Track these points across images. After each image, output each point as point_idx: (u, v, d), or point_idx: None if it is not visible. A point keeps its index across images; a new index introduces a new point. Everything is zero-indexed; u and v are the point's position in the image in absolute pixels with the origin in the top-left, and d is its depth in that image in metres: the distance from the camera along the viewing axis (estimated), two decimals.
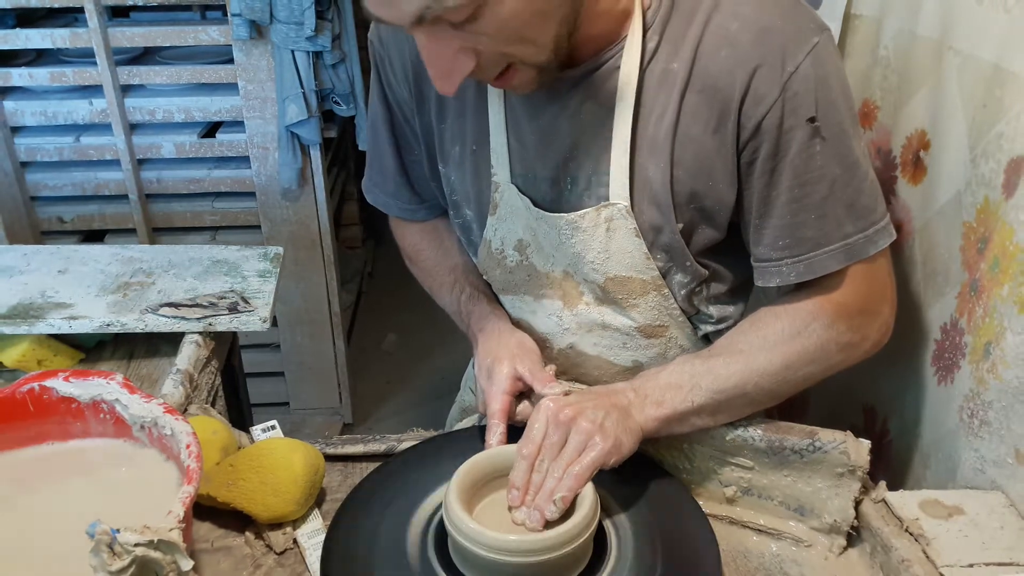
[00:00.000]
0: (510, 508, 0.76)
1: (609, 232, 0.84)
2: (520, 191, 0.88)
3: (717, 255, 0.88)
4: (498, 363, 0.88)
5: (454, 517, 0.72)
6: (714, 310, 0.92)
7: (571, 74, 0.81)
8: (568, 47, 0.76)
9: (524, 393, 0.88)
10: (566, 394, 0.83)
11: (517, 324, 0.97)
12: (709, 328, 0.94)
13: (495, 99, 0.86)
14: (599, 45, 0.80)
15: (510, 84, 0.76)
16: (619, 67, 0.80)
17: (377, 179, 1.05)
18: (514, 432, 0.83)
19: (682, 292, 0.88)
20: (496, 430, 0.83)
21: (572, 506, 0.74)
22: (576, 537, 0.70)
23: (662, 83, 0.80)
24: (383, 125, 0.99)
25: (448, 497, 0.73)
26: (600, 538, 0.75)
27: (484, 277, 0.98)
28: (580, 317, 0.92)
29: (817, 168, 0.78)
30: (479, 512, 0.77)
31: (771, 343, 0.82)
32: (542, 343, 0.95)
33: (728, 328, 0.94)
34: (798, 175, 0.78)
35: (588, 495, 0.74)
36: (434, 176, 0.98)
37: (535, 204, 0.87)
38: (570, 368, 0.96)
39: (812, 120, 0.76)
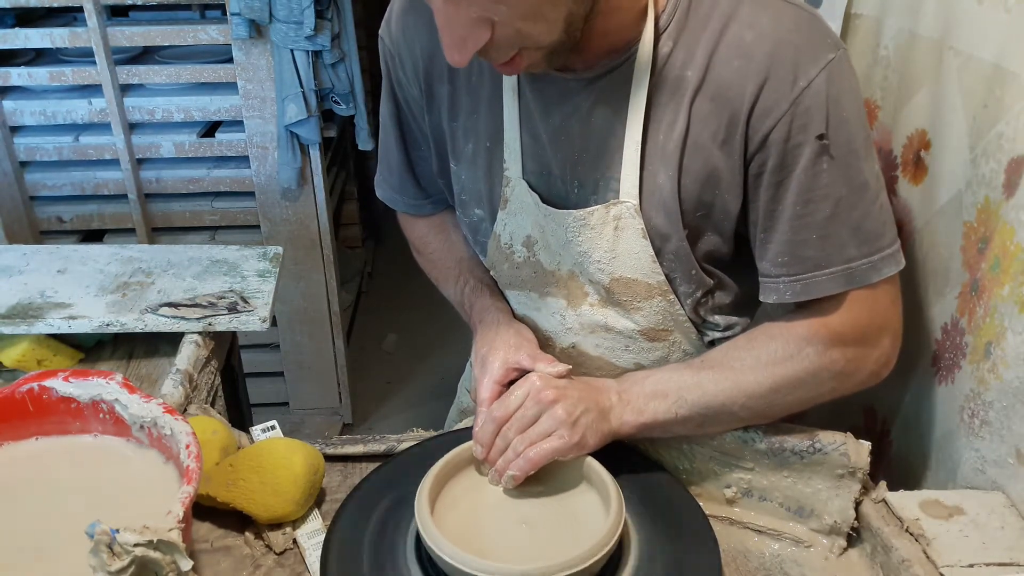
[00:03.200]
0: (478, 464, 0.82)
1: (617, 231, 0.84)
2: (531, 187, 0.88)
3: (723, 266, 0.88)
4: (493, 352, 0.89)
5: (439, 545, 0.70)
6: (720, 319, 0.92)
7: (584, 75, 0.81)
8: (581, 34, 0.75)
9: (515, 381, 0.88)
10: (560, 376, 0.84)
11: (521, 321, 0.97)
12: (716, 335, 0.93)
13: (510, 94, 0.86)
14: (613, 45, 0.80)
15: (517, 68, 0.76)
16: (632, 71, 0.79)
17: (385, 175, 1.06)
18: None
19: (688, 301, 0.88)
20: (483, 418, 0.84)
21: (588, 512, 0.74)
22: (582, 562, 0.68)
23: (675, 90, 0.79)
24: (390, 121, 0.99)
25: (425, 527, 0.71)
26: None
27: (492, 272, 0.98)
28: (584, 317, 0.92)
29: (823, 187, 0.77)
30: (448, 495, 0.78)
31: (762, 363, 0.82)
32: (545, 342, 0.95)
33: (734, 336, 0.94)
34: (803, 192, 0.78)
35: (609, 521, 0.71)
36: (443, 174, 0.98)
37: (544, 201, 0.87)
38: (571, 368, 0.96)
39: (821, 137, 0.75)
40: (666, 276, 0.86)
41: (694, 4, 0.78)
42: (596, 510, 0.77)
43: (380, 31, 0.94)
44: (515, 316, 0.97)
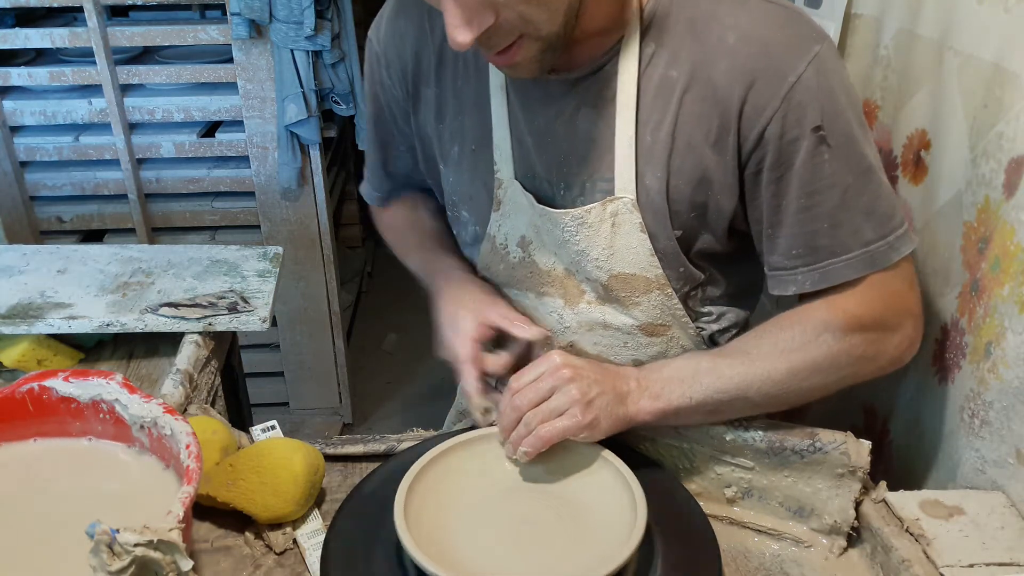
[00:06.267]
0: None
1: (614, 228, 0.84)
2: (524, 188, 0.88)
3: (716, 261, 0.88)
4: (463, 310, 0.90)
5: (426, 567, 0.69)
6: (712, 309, 0.92)
7: (567, 78, 0.82)
8: (572, 30, 0.75)
9: (493, 344, 0.89)
10: (546, 339, 0.85)
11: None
12: (713, 327, 0.93)
13: (498, 95, 0.86)
14: (594, 46, 0.80)
15: (513, 60, 0.76)
16: (617, 72, 0.80)
17: (367, 174, 1.10)
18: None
19: (677, 295, 0.88)
20: (470, 376, 0.85)
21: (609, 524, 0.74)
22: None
23: (660, 90, 0.79)
24: (369, 120, 1.02)
25: (410, 550, 0.70)
26: None
27: (485, 273, 0.98)
28: (581, 315, 0.92)
29: (826, 177, 0.77)
30: (439, 496, 0.78)
31: (780, 350, 0.81)
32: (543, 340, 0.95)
33: (731, 327, 0.94)
34: (806, 184, 0.78)
35: (629, 543, 0.70)
36: (431, 175, 0.99)
37: (539, 201, 0.87)
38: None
39: (817, 129, 0.76)
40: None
41: (675, 6, 0.79)
42: (606, 511, 0.76)
43: (369, 33, 0.96)
44: None
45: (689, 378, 0.81)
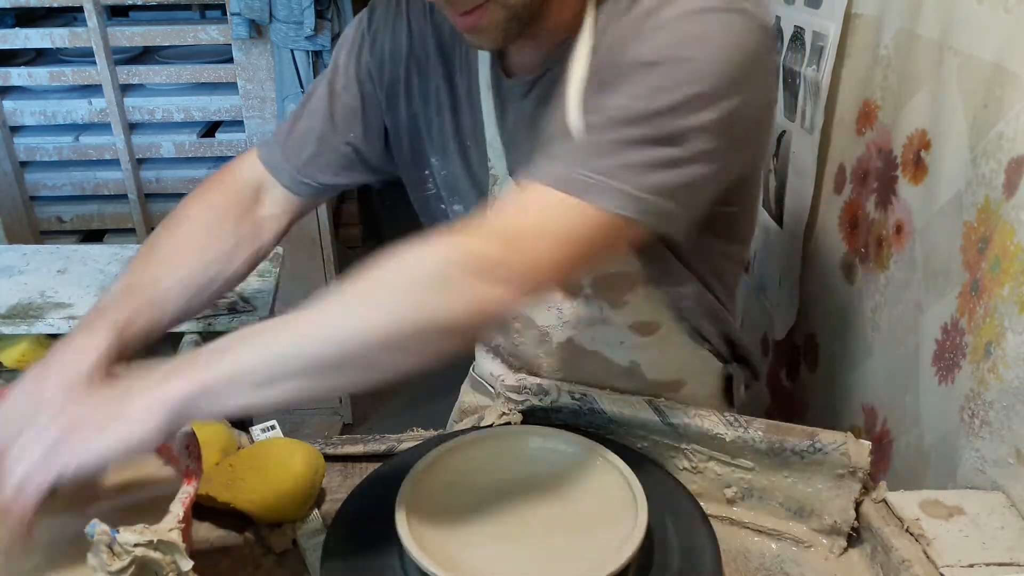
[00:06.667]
0: None
1: None
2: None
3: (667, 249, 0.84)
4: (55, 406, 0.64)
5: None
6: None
7: (526, 78, 0.82)
8: (540, 5, 0.74)
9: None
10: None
11: (516, 317, 0.96)
12: (714, 330, 0.93)
13: (487, 94, 0.86)
14: (551, 41, 0.79)
15: (478, 23, 0.73)
16: (569, 66, 0.78)
17: (273, 146, 0.94)
18: None
19: (659, 288, 0.87)
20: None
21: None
22: None
23: (592, 80, 0.75)
24: (315, 94, 0.94)
25: (413, 553, 0.68)
26: None
27: None
28: (580, 309, 0.91)
29: (633, 90, 0.67)
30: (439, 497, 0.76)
31: (390, 270, 0.64)
32: (542, 337, 0.95)
33: (731, 326, 0.94)
34: (607, 90, 0.69)
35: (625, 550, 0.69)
36: (409, 166, 0.96)
37: None
38: (568, 365, 0.95)
39: (654, 62, 0.67)
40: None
41: None
42: (607, 512, 0.76)
43: (361, 13, 0.93)
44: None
45: (237, 340, 0.66)
